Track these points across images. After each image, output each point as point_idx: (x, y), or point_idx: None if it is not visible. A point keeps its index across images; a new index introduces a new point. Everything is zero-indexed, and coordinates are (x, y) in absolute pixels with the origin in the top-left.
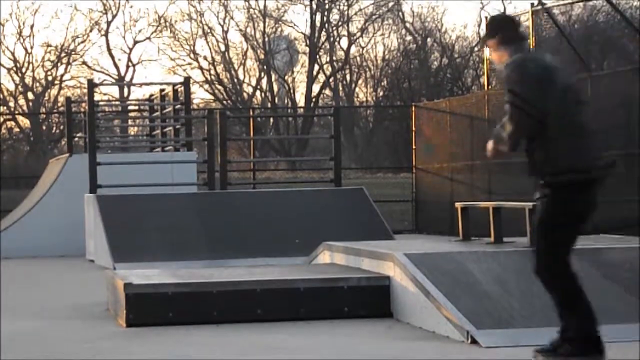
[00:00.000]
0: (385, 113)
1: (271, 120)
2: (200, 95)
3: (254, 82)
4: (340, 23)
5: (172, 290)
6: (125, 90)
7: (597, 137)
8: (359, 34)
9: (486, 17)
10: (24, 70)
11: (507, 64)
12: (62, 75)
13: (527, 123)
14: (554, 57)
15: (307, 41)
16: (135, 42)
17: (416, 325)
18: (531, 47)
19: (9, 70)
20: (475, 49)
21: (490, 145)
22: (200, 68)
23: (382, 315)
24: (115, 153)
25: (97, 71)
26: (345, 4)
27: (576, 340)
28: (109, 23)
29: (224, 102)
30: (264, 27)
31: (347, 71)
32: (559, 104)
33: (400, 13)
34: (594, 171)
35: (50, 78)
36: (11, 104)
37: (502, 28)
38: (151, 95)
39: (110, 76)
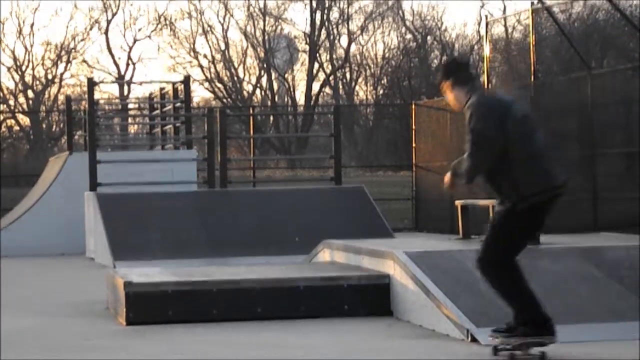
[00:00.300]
0: (386, 111)
1: (271, 118)
2: (200, 94)
3: (254, 81)
4: (340, 21)
5: (172, 289)
6: (125, 88)
7: (553, 159)
8: (359, 32)
9: (485, 18)
10: (24, 68)
11: (468, 106)
12: (62, 74)
13: (486, 161)
14: (506, 93)
15: (307, 39)
16: (135, 41)
17: (416, 324)
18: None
19: (9, 68)
20: (475, 47)
21: (447, 178)
22: (200, 66)
23: (382, 313)
24: (115, 151)
25: (97, 69)
26: (345, 2)
27: (529, 323)
28: (108, 21)
29: (224, 100)
30: (264, 26)
31: (347, 69)
32: (517, 136)
33: (400, 11)
34: (550, 193)
35: (50, 76)
36: (11, 102)
37: (455, 71)
38: (151, 94)
39: (110, 74)
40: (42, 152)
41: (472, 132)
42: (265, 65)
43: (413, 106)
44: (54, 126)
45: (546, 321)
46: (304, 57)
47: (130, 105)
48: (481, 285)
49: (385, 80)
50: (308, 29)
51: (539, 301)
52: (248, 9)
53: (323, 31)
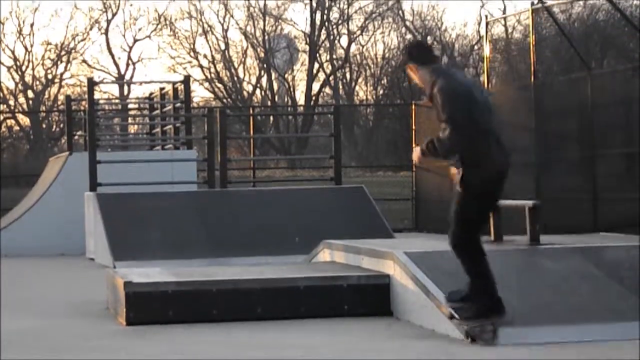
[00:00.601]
0: (386, 111)
1: (271, 118)
2: (200, 94)
3: (254, 81)
4: (340, 21)
5: (172, 289)
6: (125, 88)
7: (505, 138)
8: (359, 32)
9: (485, 18)
10: (24, 68)
11: (438, 89)
12: (62, 74)
13: (465, 143)
14: (464, 74)
15: (307, 39)
16: (135, 41)
17: (416, 324)
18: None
19: (9, 68)
20: (476, 47)
21: (418, 153)
22: (200, 66)
23: (382, 313)
24: (115, 151)
25: (97, 69)
26: (345, 2)
27: (487, 302)
28: (108, 21)
29: (224, 100)
30: (264, 26)
31: (347, 69)
32: (482, 117)
33: (400, 11)
34: (507, 171)
35: (50, 76)
36: (11, 102)
37: (420, 53)
38: (151, 94)
39: (110, 74)
40: (42, 152)
41: (452, 117)
42: (265, 65)
43: (413, 106)
44: (54, 126)
45: (499, 300)
46: (304, 57)
47: (130, 106)
48: None
49: (385, 80)
50: (308, 29)
51: (495, 287)
52: (248, 9)
53: (323, 31)
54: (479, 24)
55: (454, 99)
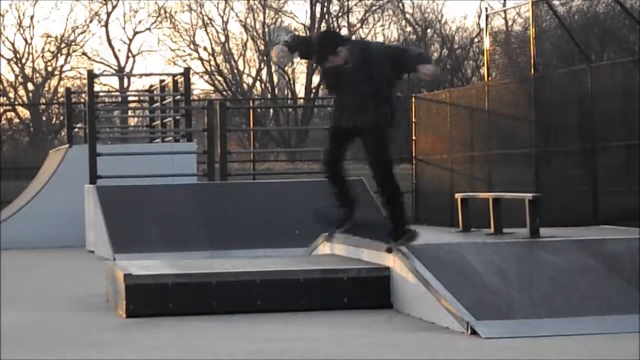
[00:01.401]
0: None
1: (271, 111)
2: (200, 86)
3: (253, 73)
4: (340, 14)
5: (172, 281)
6: (125, 81)
7: None
8: (359, 25)
9: (485, 10)
10: (24, 61)
11: (361, 50)
12: (62, 66)
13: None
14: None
15: (307, 32)
16: (135, 33)
17: (416, 317)
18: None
19: (9, 61)
20: (476, 40)
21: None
22: (200, 59)
23: (382, 306)
24: (115, 144)
25: (97, 62)
26: None
27: (408, 229)
28: (108, 14)
29: (224, 93)
30: (264, 18)
31: None
32: (396, 69)
33: (400, 4)
34: None
35: (50, 69)
36: (11, 94)
37: (333, 39)
38: (151, 86)
39: (110, 67)
40: (42, 145)
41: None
42: (265, 58)
43: (413, 99)
44: (54, 119)
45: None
46: None
47: (130, 98)
48: (481, 278)
49: None
50: (308, 22)
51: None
52: (248, 2)
53: (323, 24)
54: (479, 16)
55: (367, 50)
